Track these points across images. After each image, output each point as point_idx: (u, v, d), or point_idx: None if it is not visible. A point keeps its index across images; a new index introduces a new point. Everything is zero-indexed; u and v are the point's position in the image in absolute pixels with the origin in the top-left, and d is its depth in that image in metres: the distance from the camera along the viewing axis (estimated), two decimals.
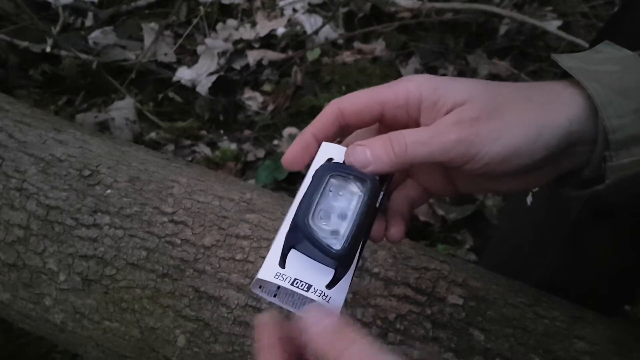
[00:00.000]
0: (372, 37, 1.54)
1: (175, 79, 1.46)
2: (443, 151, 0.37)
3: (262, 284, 0.38)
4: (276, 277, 0.36)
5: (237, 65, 1.50)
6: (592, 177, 0.39)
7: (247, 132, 1.36)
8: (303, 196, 0.37)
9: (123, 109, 1.38)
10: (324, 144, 0.40)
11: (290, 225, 0.37)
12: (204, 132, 1.36)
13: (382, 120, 0.41)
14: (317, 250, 0.35)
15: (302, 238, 0.36)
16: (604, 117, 0.36)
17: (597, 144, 0.38)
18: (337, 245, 0.36)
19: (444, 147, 0.37)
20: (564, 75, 0.40)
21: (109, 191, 0.59)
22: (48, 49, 1.46)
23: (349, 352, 0.30)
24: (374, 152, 0.38)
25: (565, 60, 0.40)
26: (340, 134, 0.42)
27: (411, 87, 0.39)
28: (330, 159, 0.39)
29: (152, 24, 1.57)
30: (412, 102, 0.39)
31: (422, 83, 0.39)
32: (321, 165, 0.39)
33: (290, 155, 0.41)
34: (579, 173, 0.40)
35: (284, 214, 0.57)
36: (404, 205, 0.43)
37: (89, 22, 1.61)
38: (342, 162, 0.39)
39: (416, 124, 0.40)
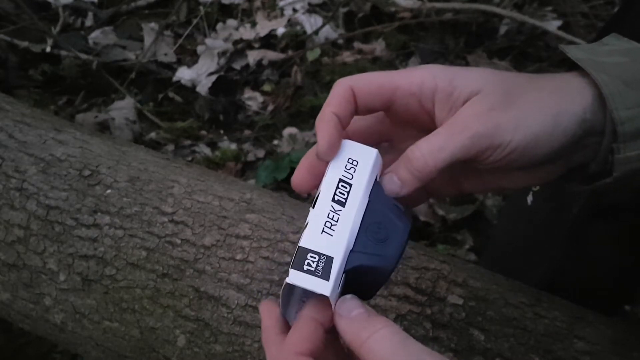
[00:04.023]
0: (372, 37, 1.54)
1: (175, 79, 1.46)
2: (464, 149, 0.36)
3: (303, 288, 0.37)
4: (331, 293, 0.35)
5: (237, 65, 1.50)
6: (599, 172, 0.39)
7: (247, 132, 1.36)
8: (368, 228, 0.36)
9: (123, 109, 1.38)
10: (345, 142, 0.38)
11: (369, 265, 0.35)
12: (204, 132, 1.36)
13: (390, 108, 0.39)
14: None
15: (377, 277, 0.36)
16: (612, 108, 0.36)
17: (605, 135, 0.37)
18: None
19: (463, 145, 0.36)
20: (571, 67, 0.39)
21: (109, 191, 0.59)
22: (48, 49, 1.46)
23: (372, 339, 0.32)
24: (400, 176, 0.37)
25: (573, 52, 0.39)
26: (353, 115, 0.40)
27: (426, 76, 0.38)
28: (352, 160, 0.38)
29: (152, 24, 1.57)
30: (426, 91, 0.38)
31: (438, 74, 0.38)
32: (378, 197, 0.37)
33: (298, 179, 0.40)
34: (586, 167, 0.39)
35: (284, 214, 0.58)
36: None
37: (89, 22, 1.61)
38: (370, 162, 0.38)
39: (428, 115, 0.39)
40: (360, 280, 0.36)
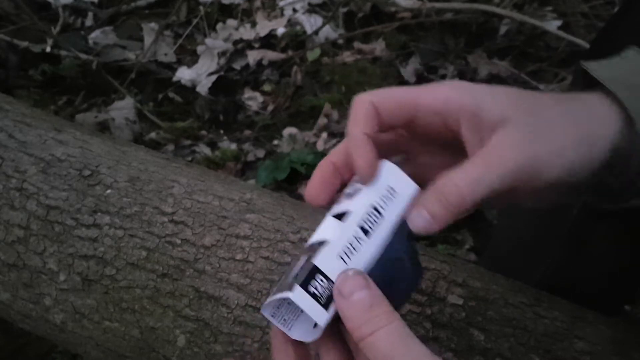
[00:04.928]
0: (372, 37, 1.54)
1: (175, 79, 1.46)
2: (503, 182, 0.34)
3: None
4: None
5: (237, 65, 1.50)
6: (621, 189, 0.38)
7: (247, 132, 1.36)
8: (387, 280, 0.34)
9: (123, 109, 1.38)
10: (387, 165, 0.36)
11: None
12: (204, 132, 1.36)
13: (411, 126, 0.38)
14: None
15: None
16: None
17: (631, 157, 0.36)
18: None
19: (502, 178, 0.34)
20: (584, 78, 0.39)
21: (109, 191, 0.59)
22: (48, 49, 1.46)
23: (375, 336, 0.31)
24: (431, 211, 0.34)
25: (595, 70, 0.38)
26: (377, 133, 0.37)
27: (451, 94, 0.36)
28: (391, 190, 0.36)
29: (152, 24, 1.57)
30: (451, 111, 0.36)
31: (463, 93, 0.36)
32: (401, 242, 0.35)
33: (311, 193, 0.38)
34: (608, 185, 0.38)
35: (284, 214, 0.58)
36: None
37: (89, 22, 1.61)
38: (408, 197, 0.36)
39: (451, 133, 0.37)
40: None
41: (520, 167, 0.34)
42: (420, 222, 0.35)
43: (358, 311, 0.32)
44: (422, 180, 0.38)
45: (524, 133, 0.35)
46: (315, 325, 0.35)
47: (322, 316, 0.33)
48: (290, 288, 0.33)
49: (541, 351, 0.49)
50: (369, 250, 0.34)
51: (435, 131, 0.37)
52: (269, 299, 0.35)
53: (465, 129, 0.36)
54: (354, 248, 0.34)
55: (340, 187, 0.39)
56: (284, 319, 0.36)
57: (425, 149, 0.40)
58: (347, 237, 0.34)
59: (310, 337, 0.35)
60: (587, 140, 0.35)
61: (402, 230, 0.36)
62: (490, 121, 0.35)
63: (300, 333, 0.35)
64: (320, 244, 0.34)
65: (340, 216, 0.35)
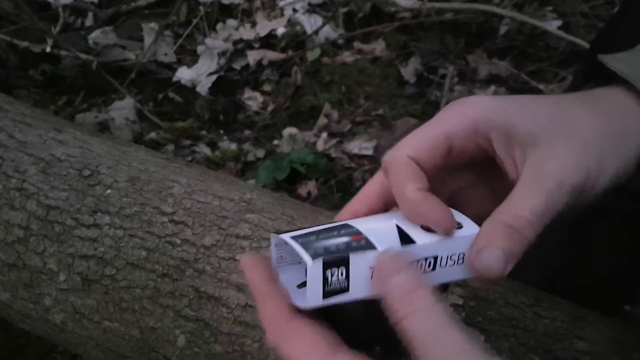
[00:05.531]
0: (372, 37, 1.54)
1: (175, 79, 1.47)
2: (566, 206, 0.33)
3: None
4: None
5: (237, 65, 1.50)
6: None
7: (247, 132, 1.36)
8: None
9: (123, 109, 1.38)
10: (470, 226, 0.35)
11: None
12: (204, 132, 1.37)
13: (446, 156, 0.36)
14: None
15: None
16: None
17: None
18: None
19: (566, 204, 0.33)
20: (589, 70, 0.39)
21: (109, 191, 0.59)
22: (48, 49, 1.46)
23: (413, 319, 0.29)
24: (505, 248, 0.32)
25: (613, 63, 0.38)
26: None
27: (478, 115, 0.35)
28: (462, 257, 0.34)
29: (152, 24, 1.57)
30: (481, 131, 0.35)
31: (491, 110, 0.35)
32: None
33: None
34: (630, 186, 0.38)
35: (284, 214, 0.58)
36: None
37: (89, 22, 1.61)
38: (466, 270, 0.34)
39: (482, 151, 0.36)
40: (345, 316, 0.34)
41: (577, 187, 0.33)
42: (494, 263, 0.32)
43: (401, 292, 0.30)
44: (441, 196, 0.37)
45: (570, 151, 0.34)
46: (300, 286, 0.34)
47: (315, 299, 0.32)
48: (313, 255, 0.31)
49: (541, 351, 0.49)
50: None
51: (467, 152, 0.37)
52: (289, 239, 0.33)
53: (498, 146, 0.35)
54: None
55: None
56: (281, 257, 0.35)
57: (446, 165, 0.40)
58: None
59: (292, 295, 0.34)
60: (625, 148, 0.35)
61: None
62: (524, 136, 0.34)
63: (287, 279, 0.35)
64: (368, 243, 0.33)
65: (402, 233, 0.34)
